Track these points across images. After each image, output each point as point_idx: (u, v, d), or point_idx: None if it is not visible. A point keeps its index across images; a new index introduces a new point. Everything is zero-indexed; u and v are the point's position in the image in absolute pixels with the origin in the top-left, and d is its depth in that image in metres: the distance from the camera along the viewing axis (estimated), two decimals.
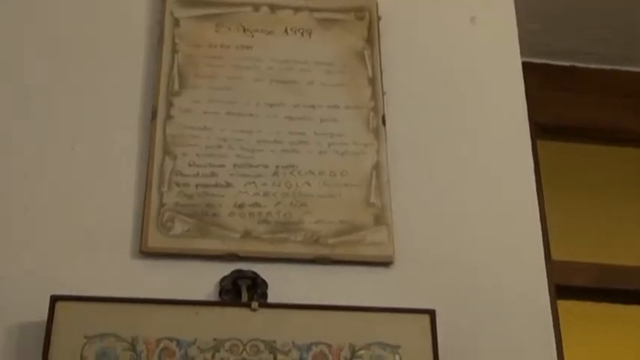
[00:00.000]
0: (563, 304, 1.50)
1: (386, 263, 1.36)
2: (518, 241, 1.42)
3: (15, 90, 1.45)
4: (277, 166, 1.41)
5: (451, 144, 1.50)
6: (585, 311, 1.69)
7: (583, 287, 1.66)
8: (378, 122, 1.46)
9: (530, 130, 1.52)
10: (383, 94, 1.49)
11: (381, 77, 1.50)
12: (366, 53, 1.52)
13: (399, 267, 1.37)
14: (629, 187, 1.82)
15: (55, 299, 1.23)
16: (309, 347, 1.24)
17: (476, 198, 1.46)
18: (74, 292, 1.25)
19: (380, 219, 1.38)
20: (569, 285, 1.60)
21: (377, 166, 1.43)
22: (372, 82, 1.50)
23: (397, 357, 1.25)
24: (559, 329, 1.42)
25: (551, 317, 1.36)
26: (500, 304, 1.36)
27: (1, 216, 1.35)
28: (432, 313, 1.28)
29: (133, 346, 1.21)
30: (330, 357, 1.24)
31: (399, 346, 1.25)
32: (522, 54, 1.60)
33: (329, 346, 1.24)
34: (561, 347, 1.40)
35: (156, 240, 1.33)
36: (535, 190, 1.47)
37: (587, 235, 1.74)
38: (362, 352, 1.25)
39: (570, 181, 1.80)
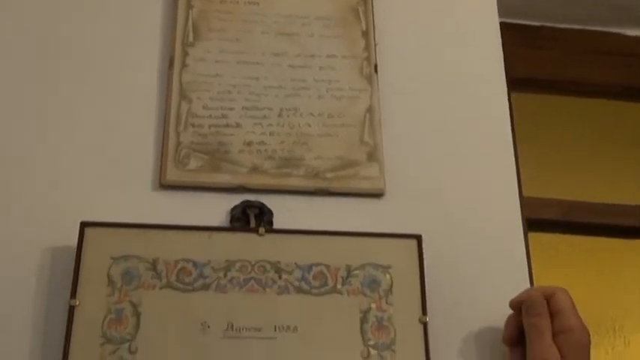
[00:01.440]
0: (533, 236, 1.56)
1: (377, 195, 1.41)
2: (495, 179, 1.47)
3: (49, 41, 1.51)
4: (281, 109, 1.46)
5: (436, 91, 1.54)
6: (552, 242, 1.74)
7: (551, 220, 1.72)
8: (370, 70, 1.52)
9: (506, 83, 1.59)
10: (375, 45, 1.55)
11: (374, 30, 1.56)
12: (360, 9, 1.57)
13: (389, 198, 1.41)
14: (592, 133, 1.88)
15: (84, 225, 1.27)
16: (310, 267, 1.29)
17: (458, 139, 1.50)
18: (102, 219, 1.29)
19: (372, 156, 1.43)
20: (538, 218, 1.67)
21: (370, 109, 1.48)
22: (366, 34, 1.55)
23: (388, 276, 1.30)
24: (529, 257, 1.47)
25: (524, 246, 1.44)
26: (479, 232, 1.41)
27: (35, 152, 1.39)
28: (419, 238, 1.33)
29: (154, 266, 1.26)
30: (329, 275, 1.29)
31: (389, 266, 1.31)
32: (500, 15, 1.66)
33: (327, 266, 1.29)
34: (531, 272, 1.46)
35: (173, 174, 1.38)
36: (511, 135, 1.53)
37: (555, 176, 1.79)
38: (357, 271, 1.30)
39: (540, 128, 1.85)
